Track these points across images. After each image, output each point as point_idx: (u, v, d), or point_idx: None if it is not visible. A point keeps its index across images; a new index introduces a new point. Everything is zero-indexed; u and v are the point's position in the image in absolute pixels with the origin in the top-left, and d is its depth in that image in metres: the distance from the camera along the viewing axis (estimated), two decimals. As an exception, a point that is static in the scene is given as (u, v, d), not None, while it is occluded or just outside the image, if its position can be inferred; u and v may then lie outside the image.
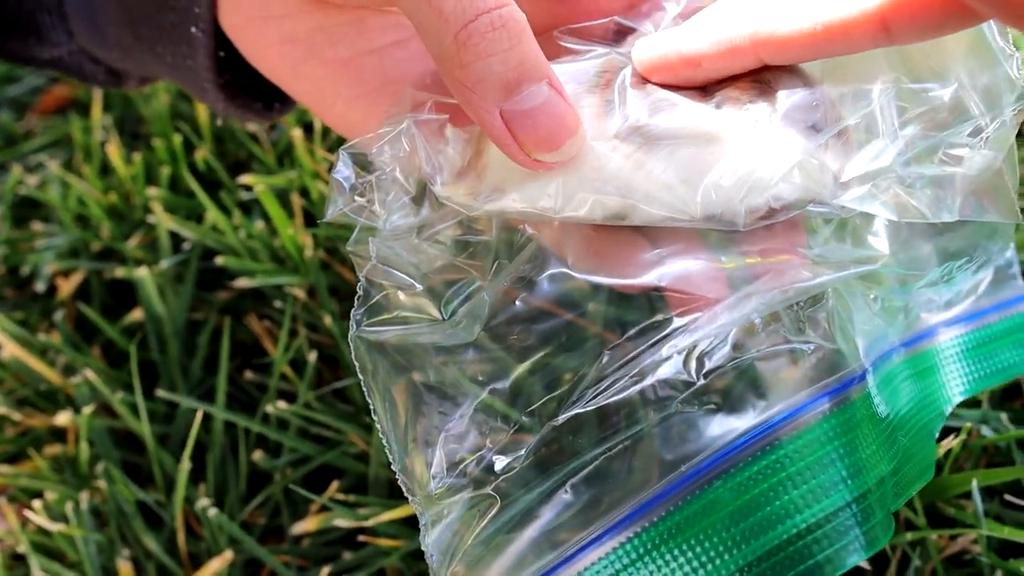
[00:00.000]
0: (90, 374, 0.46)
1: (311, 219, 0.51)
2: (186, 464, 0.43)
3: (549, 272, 0.28)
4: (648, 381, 0.27)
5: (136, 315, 0.50)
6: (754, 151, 0.26)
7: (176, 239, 0.52)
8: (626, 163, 0.26)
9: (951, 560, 0.38)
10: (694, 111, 0.27)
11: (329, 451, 0.44)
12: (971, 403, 0.41)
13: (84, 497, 0.44)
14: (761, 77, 0.27)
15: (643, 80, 0.28)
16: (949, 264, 0.31)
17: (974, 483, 0.37)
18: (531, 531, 0.27)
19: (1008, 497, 0.39)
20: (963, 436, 0.36)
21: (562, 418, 0.27)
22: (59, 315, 0.50)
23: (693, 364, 0.27)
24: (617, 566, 0.26)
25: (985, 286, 0.34)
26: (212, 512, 0.42)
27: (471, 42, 0.25)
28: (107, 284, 0.53)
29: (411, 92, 0.29)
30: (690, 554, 0.26)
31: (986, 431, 0.40)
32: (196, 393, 0.48)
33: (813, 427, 0.27)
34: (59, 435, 0.48)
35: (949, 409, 0.33)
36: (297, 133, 0.50)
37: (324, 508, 0.43)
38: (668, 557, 0.26)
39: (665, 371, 0.27)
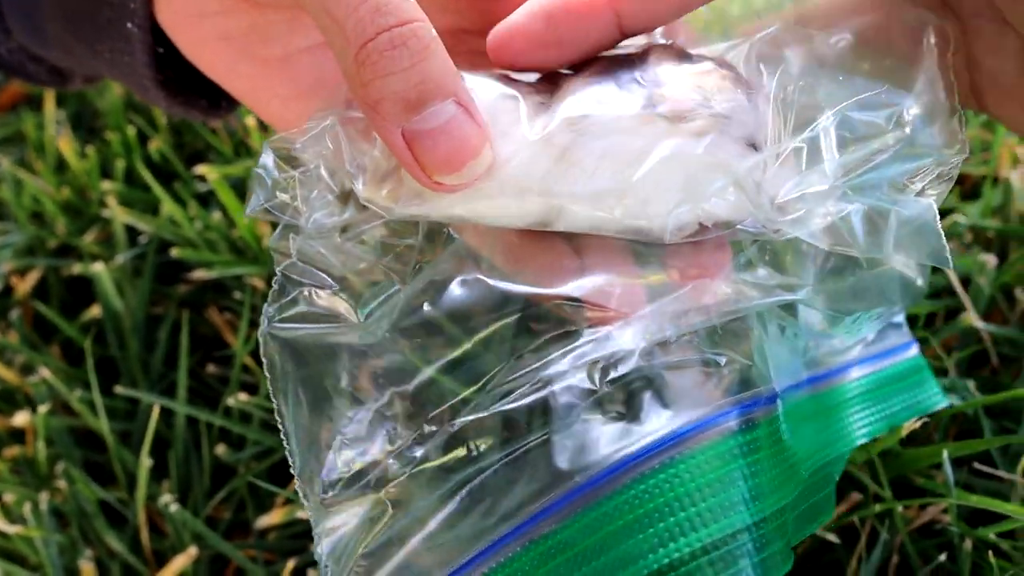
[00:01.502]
0: (46, 373, 0.45)
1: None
2: (146, 461, 0.42)
3: (463, 277, 0.27)
4: (551, 389, 0.26)
5: (95, 312, 0.49)
6: (689, 165, 0.25)
7: (133, 233, 0.51)
8: (553, 165, 0.25)
9: (920, 531, 0.38)
10: (629, 118, 0.26)
11: (293, 443, 0.44)
12: (937, 372, 0.40)
13: (44, 498, 0.43)
14: (703, 86, 0.26)
15: (581, 83, 0.27)
16: (861, 313, 0.31)
17: (945, 454, 0.36)
18: (419, 541, 0.26)
19: (977, 465, 0.38)
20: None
21: (459, 423, 0.26)
22: (15, 314, 0.49)
23: (597, 373, 0.26)
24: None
25: (875, 333, 0.34)
26: (174, 508, 0.42)
27: (370, 60, 0.24)
28: (65, 281, 0.52)
29: (343, 90, 0.28)
30: (576, 573, 0.25)
31: (954, 399, 0.39)
32: (157, 388, 0.47)
33: (718, 443, 0.26)
34: (18, 436, 0.47)
35: (848, 453, 0.32)
36: (252, 122, 0.49)
37: (289, 500, 0.42)
38: (559, 572, 0.25)
39: (569, 379, 0.26)
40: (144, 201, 0.52)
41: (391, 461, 0.27)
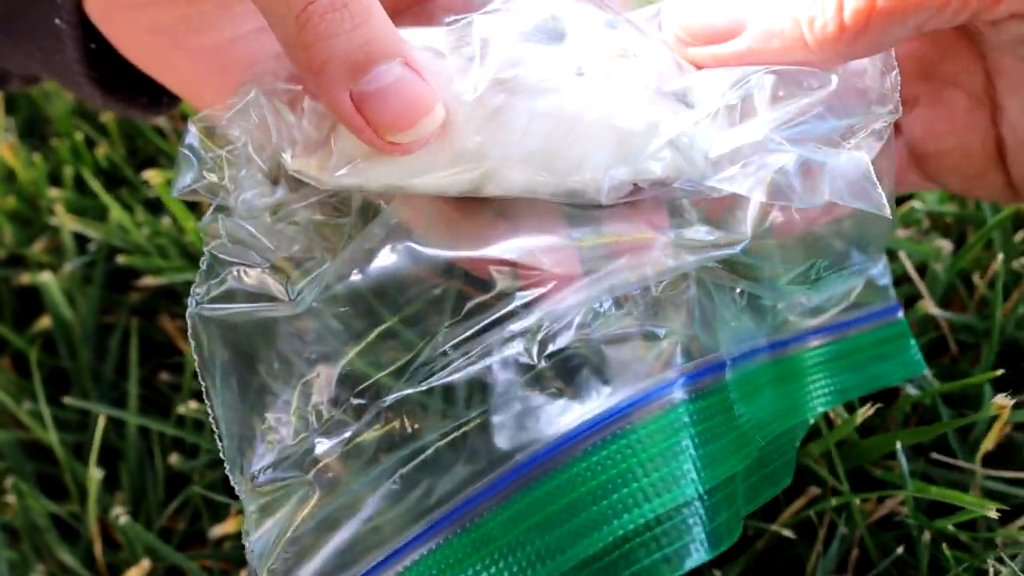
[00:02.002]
0: (-9, 386, 0.44)
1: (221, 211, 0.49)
2: (95, 472, 0.41)
3: (392, 244, 0.26)
4: (487, 362, 0.25)
5: (45, 322, 0.48)
6: (621, 123, 0.25)
7: (83, 241, 0.50)
8: (484, 127, 0.25)
9: (879, 524, 0.37)
10: (559, 76, 0.25)
11: (246, 450, 0.43)
12: (895, 361, 0.40)
13: (-8, 514, 0.42)
14: (633, 44, 0.26)
15: (506, 43, 0.26)
16: (815, 261, 0.30)
17: (898, 444, 0.36)
18: (353, 526, 0.25)
19: (935, 455, 0.38)
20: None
21: (390, 399, 0.25)
22: (-36, 327, 0.49)
23: (536, 347, 0.25)
24: (438, 568, 0.25)
25: (855, 295, 0.33)
26: (124, 520, 0.41)
27: (311, 23, 0.24)
28: (15, 292, 0.51)
29: (269, 66, 0.27)
30: (519, 553, 0.24)
31: (911, 389, 0.39)
32: (109, 398, 0.46)
33: (662, 415, 0.25)
34: (-30, 451, 0.46)
35: (812, 419, 0.31)
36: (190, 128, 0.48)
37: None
38: (495, 556, 0.24)
39: (506, 353, 0.25)
40: (94, 208, 0.51)
41: (319, 440, 0.26)
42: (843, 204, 0.25)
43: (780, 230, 0.28)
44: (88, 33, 0.32)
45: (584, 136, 0.25)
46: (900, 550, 0.35)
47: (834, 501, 0.36)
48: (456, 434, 0.26)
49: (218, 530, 0.42)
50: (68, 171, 0.51)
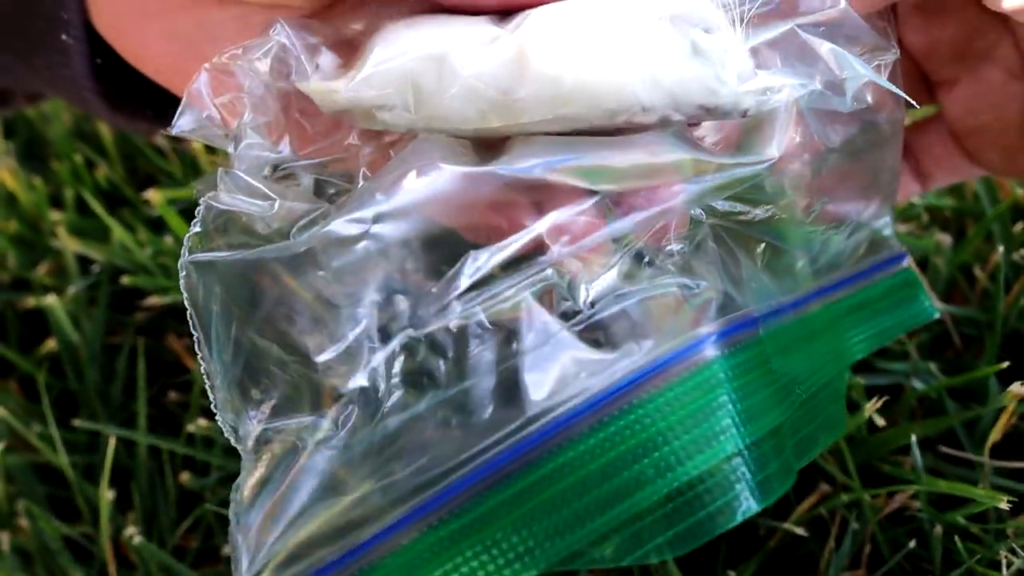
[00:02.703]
0: (1, 411, 0.44)
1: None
2: (106, 493, 0.41)
3: (420, 164, 0.24)
4: (515, 302, 0.24)
5: (51, 345, 0.48)
6: (650, 42, 0.24)
7: (86, 262, 0.50)
8: (512, 65, 0.24)
9: (890, 519, 0.37)
10: (574, 7, 0.25)
11: (257, 466, 0.43)
12: (899, 356, 0.40)
13: (5, 537, 0.42)
14: None
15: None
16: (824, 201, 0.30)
17: (912, 438, 0.36)
18: (351, 496, 0.24)
19: (943, 449, 0.38)
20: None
21: (401, 338, 0.24)
22: (-29, 352, 0.49)
23: (575, 293, 0.25)
24: (472, 525, 0.24)
25: (864, 248, 0.33)
26: (137, 540, 0.41)
27: None
28: (21, 315, 0.51)
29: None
30: (554, 516, 0.24)
31: (917, 383, 0.39)
32: (118, 419, 0.47)
33: (697, 372, 0.25)
34: (-20, 476, 0.47)
35: (847, 368, 0.32)
36: (198, 144, 0.48)
37: (255, 525, 0.42)
38: (528, 519, 0.24)
39: (535, 301, 0.25)
40: (96, 229, 0.51)
41: (325, 389, 0.25)
42: (870, 78, 0.25)
43: (799, 150, 0.28)
44: (94, 48, 0.32)
45: (611, 54, 0.24)
46: (912, 544, 0.36)
47: (845, 497, 0.36)
48: (480, 385, 0.25)
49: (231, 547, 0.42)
50: (69, 193, 0.51)
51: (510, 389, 0.25)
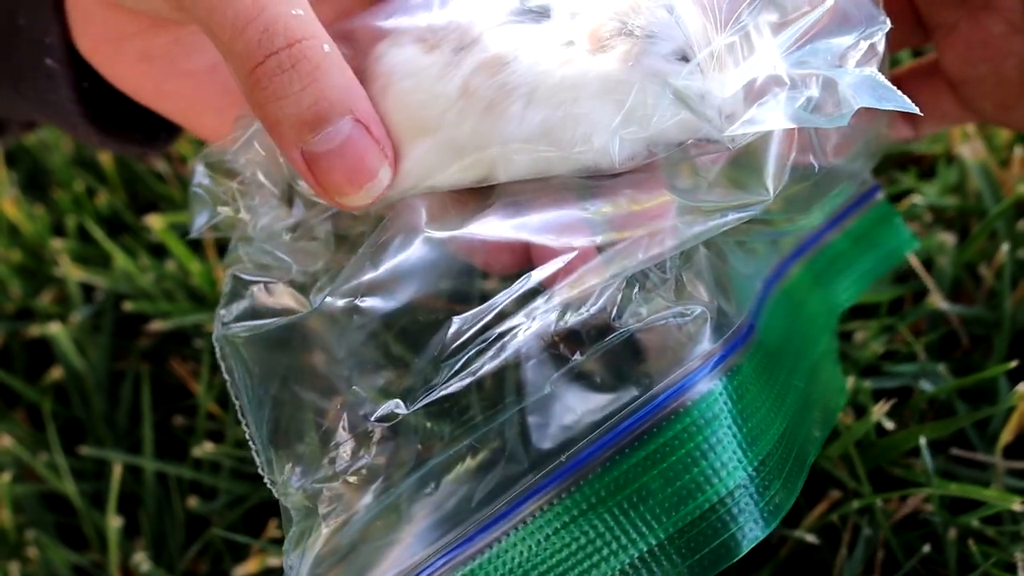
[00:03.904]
0: (6, 439, 0.44)
1: (225, 251, 0.49)
2: (113, 520, 0.41)
3: (404, 234, 0.26)
4: (515, 352, 0.25)
5: (56, 373, 0.48)
6: (621, 91, 0.24)
7: (89, 289, 0.50)
8: (482, 118, 0.25)
9: (903, 523, 0.37)
10: (549, 56, 0.25)
11: (264, 488, 0.43)
12: (906, 357, 0.40)
13: (15, 567, 0.42)
14: (619, 10, 0.25)
15: (490, 28, 0.26)
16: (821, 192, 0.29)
17: (922, 440, 0.35)
18: (392, 535, 0.25)
19: (954, 451, 0.38)
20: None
21: (420, 403, 0.25)
22: (-23, 382, 0.49)
23: (565, 340, 0.25)
24: (488, 570, 0.25)
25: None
26: (146, 567, 0.41)
27: (261, 85, 0.24)
28: (26, 344, 0.51)
29: None
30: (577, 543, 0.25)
31: (925, 385, 0.39)
32: (124, 445, 0.46)
33: (700, 402, 0.25)
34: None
35: (836, 319, 0.31)
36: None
37: (264, 549, 0.41)
38: (564, 543, 0.25)
39: (536, 343, 0.25)
40: (98, 256, 0.51)
41: (352, 449, 0.26)
42: (874, 106, 0.24)
43: (798, 179, 0.27)
44: (80, 72, 0.32)
45: (587, 110, 0.24)
46: (926, 548, 0.35)
47: (856, 503, 0.36)
48: (493, 435, 0.25)
49: (240, 570, 0.41)
50: (71, 221, 0.51)
51: (518, 439, 0.26)
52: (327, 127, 0.24)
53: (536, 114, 0.25)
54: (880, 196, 0.34)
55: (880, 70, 0.25)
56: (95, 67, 0.32)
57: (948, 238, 0.41)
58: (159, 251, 0.51)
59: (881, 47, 0.25)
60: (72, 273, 0.49)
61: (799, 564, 0.37)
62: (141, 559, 0.41)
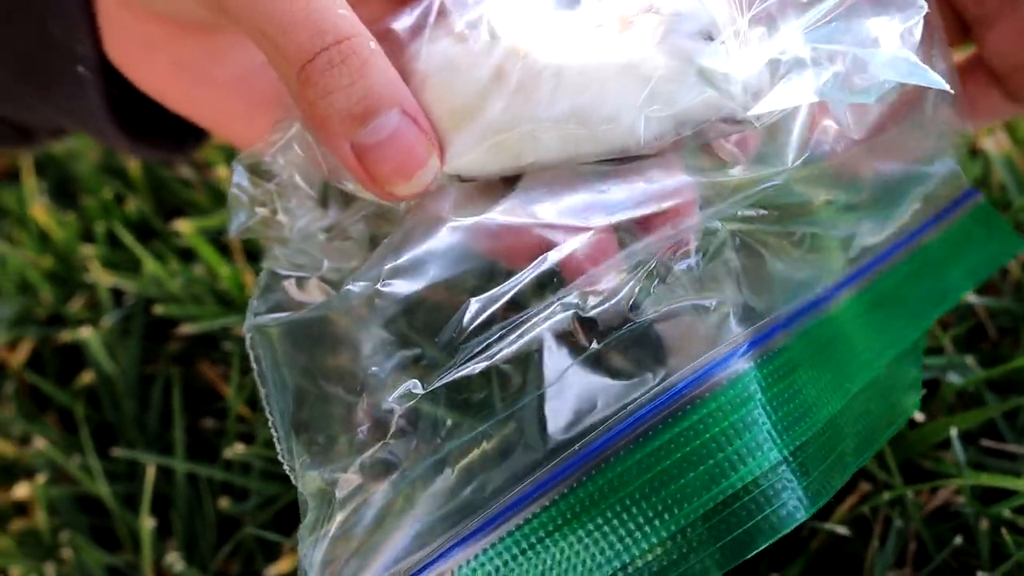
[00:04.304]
0: (40, 443, 0.45)
1: (253, 255, 0.50)
2: (147, 521, 0.42)
3: (427, 225, 0.26)
4: (534, 339, 0.25)
5: (88, 377, 0.49)
6: (647, 69, 0.24)
7: (119, 294, 0.51)
8: (511, 99, 0.25)
9: (934, 515, 0.37)
10: (576, 35, 0.25)
11: (295, 488, 0.43)
12: (934, 350, 0.40)
13: (50, 568, 0.43)
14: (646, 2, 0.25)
15: (521, 16, 0.26)
16: (873, 183, 0.29)
17: (953, 431, 0.35)
18: (407, 522, 0.25)
19: (985, 442, 0.38)
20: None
21: (437, 384, 0.25)
22: (10, 388, 0.49)
23: (586, 327, 0.25)
24: (501, 559, 0.24)
25: (926, 195, 0.31)
26: (180, 567, 0.41)
27: (311, 81, 0.25)
28: (58, 349, 0.52)
29: None
30: (606, 526, 0.24)
31: (954, 377, 0.39)
32: (155, 448, 0.47)
33: (727, 387, 0.25)
34: (24, 509, 0.47)
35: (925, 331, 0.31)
36: (224, 172, 0.49)
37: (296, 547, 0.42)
38: (577, 535, 0.24)
39: (554, 331, 0.25)
40: (128, 261, 0.52)
41: (374, 439, 0.26)
42: (901, 81, 0.24)
43: (829, 154, 0.27)
44: (110, 79, 0.33)
45: (613, 88, 0.25)
46: (958, 540, 0.35)
47: (887, 495, 0.36)
48: (510, 421, 0.26)
49: (273, 570, 0.42)
50: (100, 227, 0.52)
51: (536, 424, 0.26)
52: (377, 119, 0.25)
53: (564, 93, 0.25)
54: (980, 198, 0.33)
55: (922, 56, 0.24)
56: (125, 75, 0.33)
57: (974, 230, 0.41)
58: (187, 255, 0.51)
59: (918, 32, 0.25)
60: (102, 278, 0.49)
61: (831, 556, 0.37)
62: (174, 559, 0.42)
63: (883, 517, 0.37)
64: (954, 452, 0.35)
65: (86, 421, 0.47)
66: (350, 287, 0.26)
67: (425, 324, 0.26)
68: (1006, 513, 0.35)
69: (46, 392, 0.49)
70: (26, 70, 0.34)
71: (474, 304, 0.25)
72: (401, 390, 0.25)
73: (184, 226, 0.48)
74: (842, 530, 0.36)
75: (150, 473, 0.42)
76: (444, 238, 0.26)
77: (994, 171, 0.44)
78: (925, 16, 0.25)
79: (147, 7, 0.30)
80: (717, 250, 0.27)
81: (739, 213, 0.27)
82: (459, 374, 0.25)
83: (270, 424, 0.27)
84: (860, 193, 0.29)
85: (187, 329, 0.47)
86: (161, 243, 0.51)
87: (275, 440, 0.27)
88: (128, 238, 0.49)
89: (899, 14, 0.25)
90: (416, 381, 0.25)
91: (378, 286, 0.26)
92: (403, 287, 0.26)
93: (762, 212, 0.28)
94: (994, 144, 0.43)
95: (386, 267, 0.26)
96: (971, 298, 0.40)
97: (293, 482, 0.27)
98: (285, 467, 0.27)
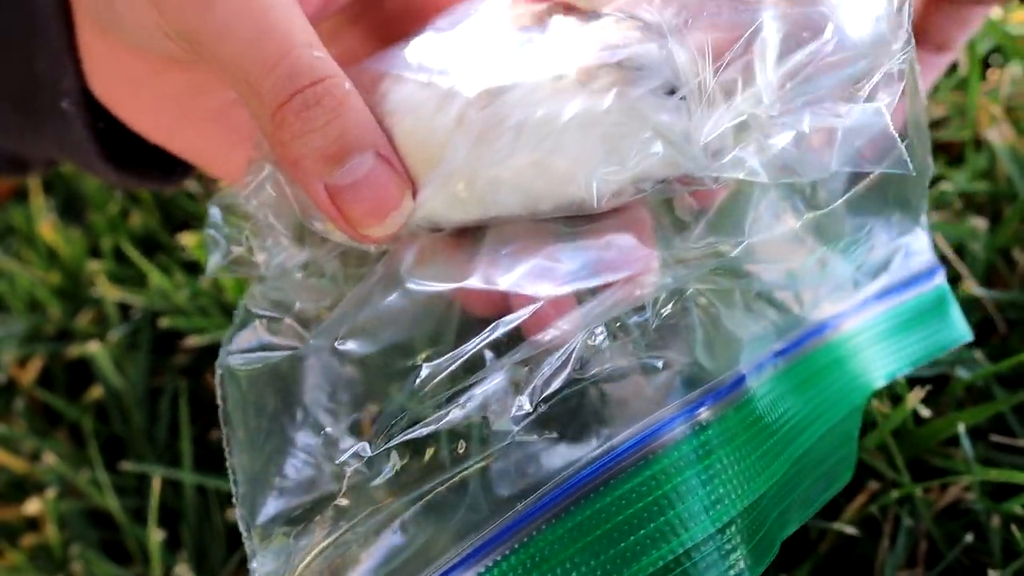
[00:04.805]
0: (50, 458, 0.45)
1: (257, 267, 0.50)
2: (156, 534, 0.42)
3: (385, 283, 0.26)
4: (481, 404, 0.25)
5: (96, 392, 0.49)
6: (603, 125, 0.24)
7: (126, 309, 0.51)
8: (473, 149, 0.25)
9: (944, 513, 0.36)
10: (537, 87, 0.25)
11: (302, 498, 0.43)
12: (942, 346, 0.39)
13: (61, 583, 0.43)
14: (608, 41, 0.25)
15: (485, 59, 0.26)
16: (833, 240, 0.29)
17: (961, 427, 0.35)
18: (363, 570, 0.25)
19: (994, 438, 0.37)
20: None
21: (383, 448, 0.25)
22: (20, 403, 0.50)
23: (531, 388, 0.25)
24: None
25: (898, 262, 0.31)
26: (188, 579, 0.41)
27: (287, 122, 0.25)
28: (68, 364, 0.52)
29: None
30: None
31: (963, 372, 0.38)
32: (164, 460, 0.47)
33: (662, 455, 0.24)
34: (35, 524, 0.47)
35: (862, 407, 0.30)
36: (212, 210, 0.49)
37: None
38: None
39: (500, 395, 0.25)
40: (134, 276, 0.52)
41: (329, 487, 0.26)
42: (859, 170, 0.23)
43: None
44: (96, 113, 0.33)
45: (571, 144, 0.24)
46: (970, 538, 0.34)
47: (896, 494, 0.35)
48: (450, 482, 0.25)
49: (281, 580, 0.42)
50: (106, 243, 0.52)
51: (481, 485, 0.26)
52: (352, 159, 0.25)
53: (524, 145, 0.24)
54: (939, 279, 0.33)
55: (910, 96, 0.24)
56: (110, 109, 0.33)
57: (980, 223, 0.41)
58: (193, 268, 0.52)
59: (904, 75, 0.24)
60: (109, 293, 0.50)
61: (840, 557, 0.37)
62: (183, 571, 0.42)
63: (892, 516, 0.36)
64: (963, 448, 0.35)
65: (95, 435, 0.47)
66: (312, 342, 0.27)
67: (378, 385, 0.27)
68: (1017, 509, 0.34)
69: (56, 408, 0.50)
70: (21, 108, 0.34)
71: (425, 369, 0.25)
72: (352, 451, 0.26)
73: (189, 239, 0.48)
74: (851, 530, 0.35)
75: (157, 486, 0.42)
76: (401, 300, 0.26)
77: (999, 162, 0.43)
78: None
79: (126, 43, 0.30)
80: (673, 305, 0.26)
81: (697, 274, 0.27)
82: (407, 437, 0.25)
83: (228, 466, 0.27)
84: (808, 254, 0.29)
85: (193, 341, 0.48)
86: (167, 256, 0.52)
87: (231, 482, 0.27)
88: (134, 253, 0.50)
89: (882, 53, 0.24)
90: (365, 444, 0.26)
91: (335, 344, 0.27)
92: (358, 348, 0.27)
93: (721, 272, 0.27)
94: (998, 136, 0.43)
95: (343, 328, 0.27)
96: (979, 291, 0.40)
97: (240, 527, 0.27)
98: (237, 510, 0.27)
